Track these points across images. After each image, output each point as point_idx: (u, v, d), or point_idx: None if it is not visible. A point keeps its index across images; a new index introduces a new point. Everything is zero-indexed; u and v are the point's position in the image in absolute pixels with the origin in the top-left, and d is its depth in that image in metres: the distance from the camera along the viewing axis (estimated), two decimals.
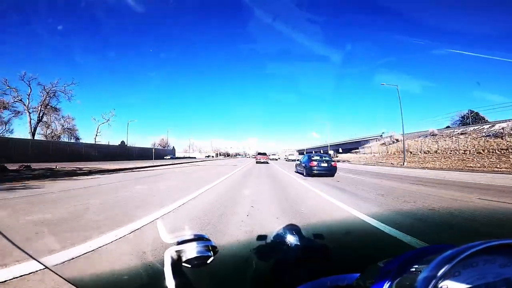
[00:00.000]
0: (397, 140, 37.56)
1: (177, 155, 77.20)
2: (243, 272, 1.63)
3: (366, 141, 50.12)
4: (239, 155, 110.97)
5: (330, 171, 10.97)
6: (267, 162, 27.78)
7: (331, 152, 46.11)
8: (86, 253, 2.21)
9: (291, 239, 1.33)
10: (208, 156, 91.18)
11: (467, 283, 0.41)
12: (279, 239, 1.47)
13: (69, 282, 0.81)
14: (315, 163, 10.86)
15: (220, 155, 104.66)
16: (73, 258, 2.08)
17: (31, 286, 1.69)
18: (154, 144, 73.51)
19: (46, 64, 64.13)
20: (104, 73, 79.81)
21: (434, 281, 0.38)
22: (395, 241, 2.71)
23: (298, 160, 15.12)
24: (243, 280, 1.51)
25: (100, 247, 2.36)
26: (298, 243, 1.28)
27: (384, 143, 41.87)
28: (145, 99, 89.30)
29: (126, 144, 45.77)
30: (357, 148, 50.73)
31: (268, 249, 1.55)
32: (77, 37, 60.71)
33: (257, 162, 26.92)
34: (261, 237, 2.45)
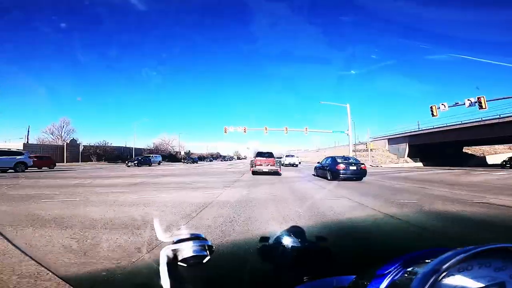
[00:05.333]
0: None
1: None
2: (241, 272, 1.62)
3: None
4: (226, 158, 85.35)
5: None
6: (278, 173, 14.10)
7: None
8: None
9: (291, 240, 1.32)
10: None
11: (462, 287, 0.41)
12: (278, 239, 1.48)
13: (64, 280, 0.80)
14: None
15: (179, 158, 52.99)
16: None
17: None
18: None
19: (48, 61, 64.14)
20: (105, 71, 79.68)
21: (428, 284, 0.38)
22: None
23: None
24: (241, 280, 1.50)
25: None
26: (299, 244, 1.28)
27: None
28: (143, 99, 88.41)
29: None
30: None
31: (267, 249, 1.54)
32: (79, 35, 60.92)
33: (254, 173, 14.03)
34: (261, 238, 2.44)
